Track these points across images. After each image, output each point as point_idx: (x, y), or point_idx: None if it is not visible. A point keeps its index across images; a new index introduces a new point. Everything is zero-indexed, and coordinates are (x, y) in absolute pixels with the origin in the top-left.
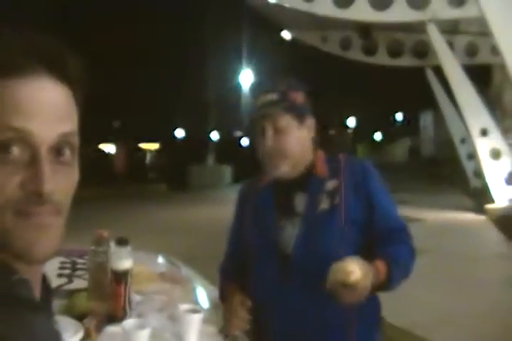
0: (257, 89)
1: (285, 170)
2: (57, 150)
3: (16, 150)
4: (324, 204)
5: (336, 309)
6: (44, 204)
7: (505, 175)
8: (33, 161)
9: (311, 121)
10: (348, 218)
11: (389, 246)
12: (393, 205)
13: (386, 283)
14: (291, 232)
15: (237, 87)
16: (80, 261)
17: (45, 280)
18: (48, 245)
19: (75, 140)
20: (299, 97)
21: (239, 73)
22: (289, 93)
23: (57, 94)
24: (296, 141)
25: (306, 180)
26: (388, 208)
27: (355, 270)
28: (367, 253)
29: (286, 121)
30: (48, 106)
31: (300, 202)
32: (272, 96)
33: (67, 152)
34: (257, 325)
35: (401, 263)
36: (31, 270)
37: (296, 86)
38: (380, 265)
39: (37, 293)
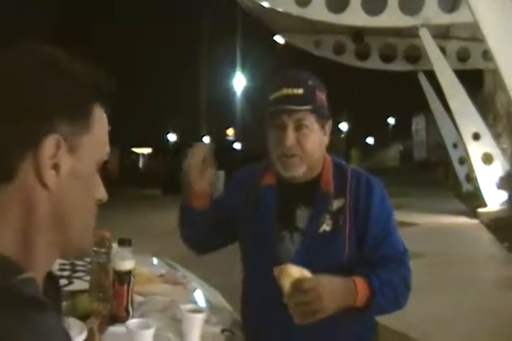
0: (271, 81)
1: (299, 173)
2: None
3: None
4: (327, 226)
5: (330, 332)
6: None
7: (496, 179)
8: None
9: (329, 126)
10: (350, 242)
11: (375, 268)
12: (390, 232)
13: (368, 301)
14: (289, 247)
15: (230, 91)
16: (78, 262)
17: (53, 278)
18: None
19: None
20: (323, 98)
21: (232, 77)
22: (316, 91)
23: None
24: (316, 145)
25: (312, 194)
26: (382, 234)
27: (301, 269)
28: None
29: (311, 121)
30: None
31: (302, 217)
32: (298, 91)
33: None
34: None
35: (385, 281)
36: (38, 269)
37: (320, 85)
38: (358, 280)
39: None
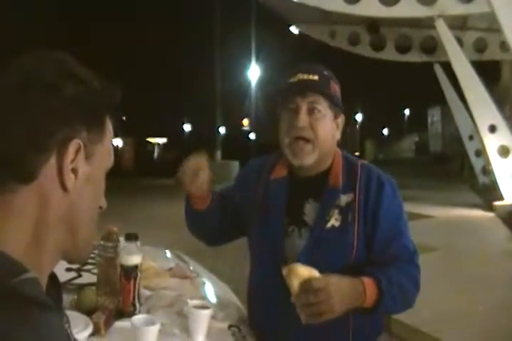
0: (286, 71)
1: (309, 161)
2: None
3: None
4: (335, 221)
5: (336, 329)
6: None
7: None
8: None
9: (342, 121)
10: (359, 239)
11: (383, 268)
12: (401, 231)
13: (377, 301)
14: (297, 242)
15: (245, 82)
16: None
17: (53, 277)
18: None
19: None
20: (338, 90)
21: (247, 68)
22: (330, 81)
23: None
24: (328, 132)
25: (320, 188)
26: (392, 234)
27: (310, 269)
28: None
29: (324, 107)
30: None
31: (311, 211)
32: (313, 77)
33: None
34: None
35: (394, 283)
36: (43, 269)
37: (335, 77)
38: (367, 280)
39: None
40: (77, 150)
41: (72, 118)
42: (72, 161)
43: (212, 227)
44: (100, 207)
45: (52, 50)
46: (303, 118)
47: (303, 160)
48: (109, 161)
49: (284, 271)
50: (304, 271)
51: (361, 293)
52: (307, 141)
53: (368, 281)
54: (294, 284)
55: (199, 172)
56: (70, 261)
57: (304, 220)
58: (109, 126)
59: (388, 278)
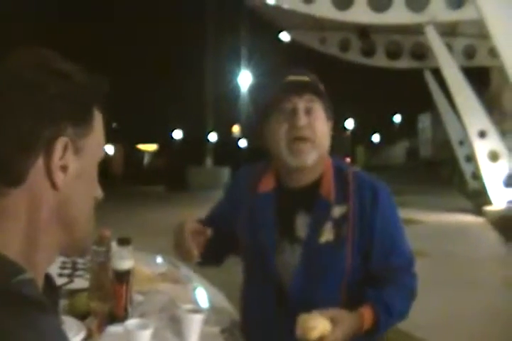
0: (273, 76)
1: (309, 161)
2: None
3: None
4: (329, 235)
5: None
6: None
7: (503, 177)
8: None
9: (331, 124)
10: (354, 253)
11: (382, 288)
12: (399, 239)
13: (373, 330)
14: (289, 260)
15: (236, 88)
16: (80, 260)
17: (49, 279)
18: None
19: None
20: (324, 92)
21: (237, 74)
22: (319, 84)
23: None
24: (325, 132)
25: (312, 200)
26: (390, 242)
27: (316, 326)
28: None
29: (319, 108)
30: None
31: (302, 225)
32: (304, 78)
33: None
34: None
35: (392, 309)
36: (38, 269)
37: (320, 83)
38: (367, 312)
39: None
40: (65, 148)
41: (58, 116)
42: (61, 159)
43: (215, 252)
44: (96, 198)
45: (33, 47)
46: (303, 118)
47: (302, 160)
48: (100, 152)
49: (300, 320)
50: (319, 326)
51: (359, 328)
52: (305, 140)
53: (367, 316)
54: (303, 333)
55: (200, 237)
56: (68, 256)
57: (296, 235)
58: (98, 117)
59: (387, 308)
